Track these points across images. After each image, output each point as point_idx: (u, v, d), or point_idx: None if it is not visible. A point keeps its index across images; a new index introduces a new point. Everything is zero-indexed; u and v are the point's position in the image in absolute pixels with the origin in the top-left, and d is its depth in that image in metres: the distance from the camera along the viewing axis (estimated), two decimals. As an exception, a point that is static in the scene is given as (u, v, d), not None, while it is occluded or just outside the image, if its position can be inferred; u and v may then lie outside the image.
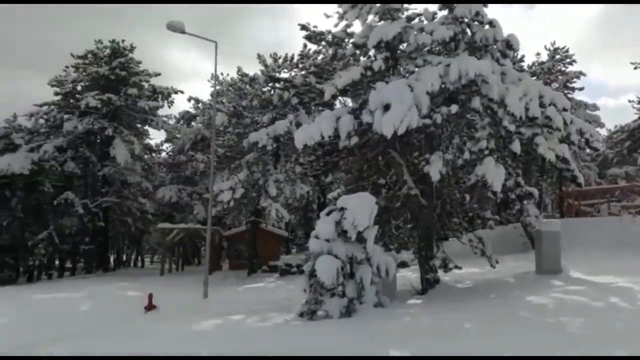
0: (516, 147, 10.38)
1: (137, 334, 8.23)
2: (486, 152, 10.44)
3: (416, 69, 11.31)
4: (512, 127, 10.35)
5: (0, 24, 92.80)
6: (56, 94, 31.71)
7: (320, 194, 31.52)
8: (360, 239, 8.79)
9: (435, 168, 9.94)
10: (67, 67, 32.39)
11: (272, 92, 25.50)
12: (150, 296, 12.50)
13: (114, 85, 31.10)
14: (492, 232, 13.32)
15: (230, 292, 15.67)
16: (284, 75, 27.02)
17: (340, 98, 22.05)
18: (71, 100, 31.53)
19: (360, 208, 8.72)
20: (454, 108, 10.22)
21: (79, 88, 32.32)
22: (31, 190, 27.66)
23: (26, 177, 26.62)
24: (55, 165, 28.04)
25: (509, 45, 11.69)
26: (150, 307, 12.28)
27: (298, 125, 22.05)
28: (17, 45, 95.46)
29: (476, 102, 10.20)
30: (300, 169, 22.18)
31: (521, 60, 29.16)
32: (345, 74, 13.17)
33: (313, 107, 24.93)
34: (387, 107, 9.98)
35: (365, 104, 11.16)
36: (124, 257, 45.80)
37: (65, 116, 30.53)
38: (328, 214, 9.17)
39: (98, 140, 31.18)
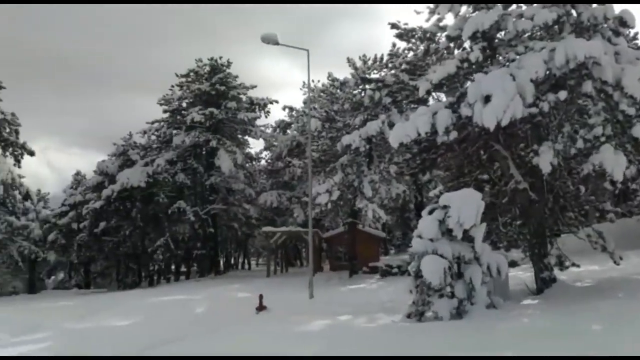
0: (637, 131, 9.43)
1: (254, 334, 8.66)
2: (602, 139, 9.63)
3: (517, 57, 10.70)
4: (631, 111, 9.41)
5: (114, 50, 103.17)
6: (165, 111, 34.65)
7: (417, 193, 30.94)
8: (467, 237, 8.51)
9: (545, 159, 9.35)
10: (172, 86, 35.19)
11: (362, 94, 25.61)
12: (261, 297, 13.09)
13: (215, 100, 33.21)
14: (612, 226, 12.16)
15: (334, 293, 15.93)
16: (374, 76, 26.92)
17: (433, 94, 21.56)
18: (178, 117, 34.16)
19: (465, 205, 8.44)
20: (563, 94, 9.53)
21: (184, 105, 34.93)
22: (148, 201, 30.37)
23: (143, 190, 29.33)
24: (168, 177, 30.59)
25: (623, 22, 10.63)
26: (261, 307, 12.85)
27: (390, 125, 21.89)
28: (128, 68, 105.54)
29: (588, 87, 9.44)
30: (395, 168, 21.96)
31: (635, 38, 26.35)
32: (439, 68, 12.86)
33: (405, 106, 24.60)
34: (487, 99, 9.58)
35: (463, 97, 10.80)
36: (232, 261, 48.47)
37: (174, 131, 33.11)
38: (430, 212, 9.00)
39: (204, 152, 33.39)
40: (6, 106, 31.05)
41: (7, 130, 31.18)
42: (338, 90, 28.46)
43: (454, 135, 10.67)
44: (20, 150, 31.89)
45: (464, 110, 10.27)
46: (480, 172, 12.79)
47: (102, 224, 29.99)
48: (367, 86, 24.93)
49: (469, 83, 11.82)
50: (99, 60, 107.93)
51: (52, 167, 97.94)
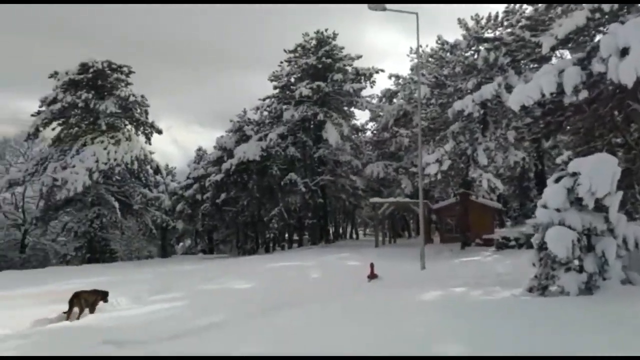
0: None
1: (370, 302, 8.78)
2: None
3: (661, 2, 9.32)
4: None
5: (226, 30, 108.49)
6: (275, 87, 35.89)
7: (538, 160, 28.77)
8: (599, 207, 7.69)
9: (697, 118, 8.07)
10: (281, 62, 36.17)
11: (475, 56, 24.13)
12: (372, 266, 13.22)
13: (322, 73, 33.61)
14: None
15: (446, 265, 15.55)
16: (489, 35, 25.17)
17: (557, 52, 19.57)
18: (287, 92, 35.21)
19: (598, 172, 7.59)
20: None
21: (292, 80, 35.82)
22: (263, 174, 32.04)
23: (258, 163, 30.96)
24: (280, 150, 31.90)
25: None
26: (372, 276, 13.00)
27: (507, 87, 20.43)
28: (241, 47, 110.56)
29: None
30: (514, 134, 20.51)
31: None
32: (566, 21, 11.67)
33: (524, 66, 22.74)
34: (624, 52, 8.51)
35: (594, 52, 9.71)
36: (341, 230, 49.64)
37: (284, 107, 34.20)
38: (557, 180, 8.26)
39: (312, 126, 34.14)
40: (135, 88, 34.39)
41: (138, 111, 34.59)
42: (448, 54, 27.09)
43: (583, 94, 9.70)
44: (149, 129, 35.34)
45: (596, 66, 9.27)
46: (614, 135, 11.49)
47: (223, 195, 32.28)
48: (481, 47, 23.43)
49: (601, 36, 10.58)
50: (214, 42, 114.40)
51: (177, 144, 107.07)
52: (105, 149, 31.23)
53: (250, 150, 30.89)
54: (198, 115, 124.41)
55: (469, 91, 22.16)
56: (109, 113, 32.04)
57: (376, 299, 9.10)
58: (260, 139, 32.13)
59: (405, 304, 8.06)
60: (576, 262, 7.54)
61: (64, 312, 10.03)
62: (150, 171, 35.93)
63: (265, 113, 36.55)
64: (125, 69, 33.75)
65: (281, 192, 32.08)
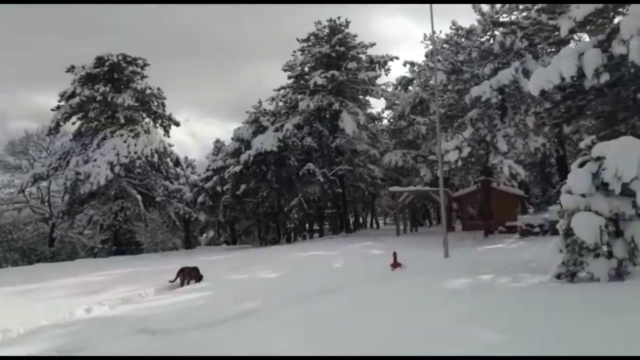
0: None
1: (394, 290, 8.92)
2: None
3: (688, -21, 9.15)
4: None
5: (237, 22, 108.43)
6: (289, 77, 35.90)
7: (559, 146, 28.42)
8: (627, 192, 7.68)
9: None
10: (294, 51, 36.16)
11: (491, 41, 23.83)
12: (395, 254, 13.33)
13: (335, 62, 33.51)
14: None
15: (470, 253, 15.59)
16: (505, 19, 24.79)
17: (575, 36, 19.24)
18: (302, 82, 35.22)
19: (624, 156, 7.58)
20: None
21: (306, 69, 35.79)
22: (281, 164, 32.25)
23: (276, 154, 31.17)
24: (296, 141, 32.02)
25: None
26: (396, 264, 13.11)
27: (525, 72, 20.20)
28: (253, 38, 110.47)
29: None
30: (534, 119, 20.31)
31: None
32: (584, 4, 11.49)
33: (541, 50, 22.41)
34: (647, 33, 8.37)
35: (615, 34, 9.62)
36: (361, 220, 49.73)
37: (299, 96, 34.23)
38: (581, 165, 8.25)
39: (327, 115, 34.15)
40: (152, 81, 34.74)
41: (155, 103, 34.95)
42: (463, 39, 26.78)
43: (605, 77, 9.63)
44: (167, 122, 35.69)
45: (617, 48, 9.19)
46: (638, 119, 11.35)
47: (243, 187, 32.60)
48: (496, 31, 23.12)
49: (620, 18, 10.43)
50: (228, 34, 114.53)
51: (194, 136, 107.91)
52: (125, 142, 31.69)
53: (267, 141, 31.09)
54: (214, 107, 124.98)
55: (486, 77, 21.96)
56: (127, 106, 32.37)
57: (402, 287, 9.23)
58: (276, 130, 32.29)
59: (432, 291, 8.18)
60: (605, 247, 7.55)
61: (170, 281, 13.48)
62: (170, 163, 36.35)
63: (281, 103, 36.62)
64: (140, 61, 34.02)
65: (300, 182, 32.27)
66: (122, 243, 33.25)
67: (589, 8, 11.04)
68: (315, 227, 39.76)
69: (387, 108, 41.62)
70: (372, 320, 6.31)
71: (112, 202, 32.54)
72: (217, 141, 46.42)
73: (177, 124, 36.23)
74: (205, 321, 7.92)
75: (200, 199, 38.61)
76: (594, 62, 9.52)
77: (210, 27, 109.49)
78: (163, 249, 41.97)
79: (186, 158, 48.51)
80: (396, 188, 29.71)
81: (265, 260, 17.84)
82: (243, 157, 31.96)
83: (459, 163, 21.80)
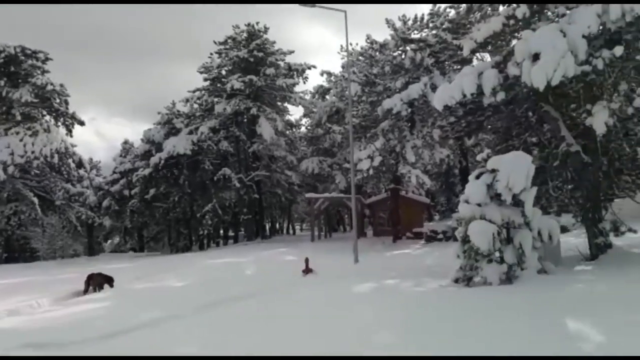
0: (702, 89, 8.86)
1: (303, 295, 8.98)
2: (662, 98, 9.13)
3: (567, 12, 10.19)
4: (694, 67, 8.83)
5: (154, 21, 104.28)
6: (205, 79, 35.03)
7: (462, 157, 30.39)
8: (517, 202, 8.38)
9: (599, 120, 8.99)
10: (211, 53, 35.39)
11: (403, 56, 25.01)
12: (307, 260, 13.43)
13: (254, 67, 33.28)
14: (672, 190, 11.61)
15: (378, 258, 16.14)
16: (415, 37, 26.17)
17: (478, 55, 20.75)
18: (218, 85, 34.53)
19: (514, 168, 8.28)
20: (619, 50, 8.99)
21: (223, 72, 35.16)
22: (194, 168, 31.32)
23: (189, 157, 30.24)
24: (212, 144, 31.26)
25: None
26: (307, 270, 13.22)
27: (433, 87, 21.39)
28: (167, 38, 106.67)
29: (646, 41, 8.87)
30: (439, 132, 21.56)
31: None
32: (484, 26, 12.37)
33: (448, 67, 23.91)
34: (536, 57, 9.20)
35: (510, 56, 10.42)
36: (277, 226, 49.56)
37: (215, 99, 33.50)
38: (478, 176, 8.89)
39: (245, 120, 33.79)
40: (55, 77, 32.26)
41: (57, 100, 32.44)
42: (377, 53, 27.89)
43: (501, 96, 10.37)
44: (70, 120, 33.23)
45: (512, 70, 9.94)
46: (529, 135, 12.40)
47: (152, 191, 31.21)
48: (407, 47, 24.30)
49: (515, 41, 11.35)
50: (140, 31, 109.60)
51: (101, 136, 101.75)
52: (21, 140, 29.01)
53: (180, 144, 30.05)
54: (124, 107, 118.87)
55: (397, 90, 22.93)
56: (24, 102, 29.76)
57: (311, 293, 9.32)
58: (190, 132, 31.32)
59: (339, 296, 8.34)
60: (497, 254, 8.15)
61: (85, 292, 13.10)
62: (73, 165, 33.94)
63: (196, 106, 35.58)
64: (41, 55, 31.45)
65: (214, 187, 31.52)
66: (14, 250, 30.44)
67: (488, 31, 11.90)
68: (230, 233, 39.03)
69: (305, 116, 42.09)
70: (276, 327, 6.29)
71: (5, 206, 29.65)
72: (126, 142, 44.03)
73: (82, 123, 33.89)
74: (103, 332, 7.46)
75: (105, 203, 36.35)
76: (492, 81, 10.20)
77: (121, 24, 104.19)
78: (62, 256, 38.86)
79: (91, 159, 45.72)
80: (312, 195, 30.07)
81: (174, 268, 17.21)
82: (153, 159, 30.62)
83: (371, 171, 22.55)
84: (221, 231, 38.86)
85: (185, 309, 9.05)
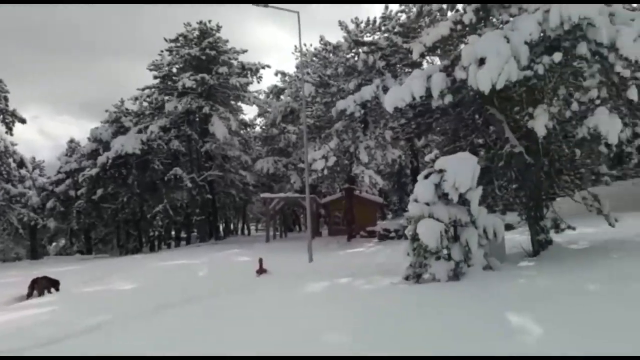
0: (632, 93, 9.48)
1: (255, 296, 8.94)
2: (597, 101, 9.70)
3: (511, 19, 10.64)
4: (626, 73, 9.43)
5: (102, 16, 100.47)
6: (155, 77, 34.12)
7: (413, 158, 31.12)
8: (463, 201, 8.68)
9: (540, 123, 9.41)
10: (162, 51, 34.51)
11: (356, 58, 25.35)
12: (261, 261, 13.38)
13: (206, 65, 32.74)
14: (608, 189, 12.35)
15: (332, 257, 16.28)
16: (368, 39, 26.58)
17: (427, 58, 21.33)
18: (169, 82, 33.73)
19: (461, 169, 8.57)
20: (557, 56, 9.44)
21: (174, 70, 34.38)
22: (144, 168, 30.44)
23: (138, 157, 29.36)
24: (162, 144, 30.47)
25: (618, -19, 10.50)
26: (261, 271, 13.16)
27: (385, 89, 21.80)
28: (116, 35, 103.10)
29: (582, 48, 9.34)
30: (391, 133, 22.02)
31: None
32: (433, 30, 12.71)
33: (399, 70, 24.44)
34: (482, 61, 9.51)
35: (457, 60, 10.73)
36: (232, 226, 48.88)
37: (166, 98, 32.68)
38: (426, 176, 9.14)
39: (197, 119, 33.19)
40: (-5, 74, 30.57)
41: (-4, 97, 30.79)
42: (331, 54, 28.13)
43: (448, 99, 10.64)
44: (10, 118, 31.61)
45: (459, 74, 10.24)
46: (476, 136, 12.82)
47: (100, 191, 30.10)
48: (360, 50, 24.66)
49: (463, 46, 11.72)
50: (87, 27, 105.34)
51: (45, 135, 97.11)
52: (-45, 139, 27.40)
53: (128, 143, 29.14)
54: (69, 104, 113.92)
55: (350, 92, 23.23)
56: (-42, 98, 28.09)
57: (264, 293, 9.30)
58: (139, 131, 30.43)
59: (292, 296, 8.37)
60: (445, 251, 8.41)
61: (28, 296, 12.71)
62: (13, 164, 32.29)
63: (145, 104, 34.61)
64: (-23, 49, 29.81)
65: (165, 187, 30.74)
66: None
67: (437, 35, 12.24)
68: (183, 234, 38.21)
69: (259, 115, 41.81)
70: (226, 329, 6.25)
71: (-63, 208, 27.82)
72: (72, 141, 42.20)
73: (23, 121, 32.26)
74: (47, 338, 7.19)
75: (49, 204, 34.72)
76: (440, 84, 10.48)
77: (66, 19, 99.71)
78: (4, 260, 36.85)
79: (33, 159, 43.59)
80: (267, 195, 29.93)
81: (123, 270, 16.73)
82: (101, 159, 29.56)
83: (326, 172, 22.73)
84: (173, 232, 37.93)
85: (134, 312, 8.83)
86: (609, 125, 8.92)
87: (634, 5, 13.01)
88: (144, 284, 13.20)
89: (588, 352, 4.13)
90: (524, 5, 10.33)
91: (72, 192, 33.98)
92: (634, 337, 4.48)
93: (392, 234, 20.83)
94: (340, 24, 28.04)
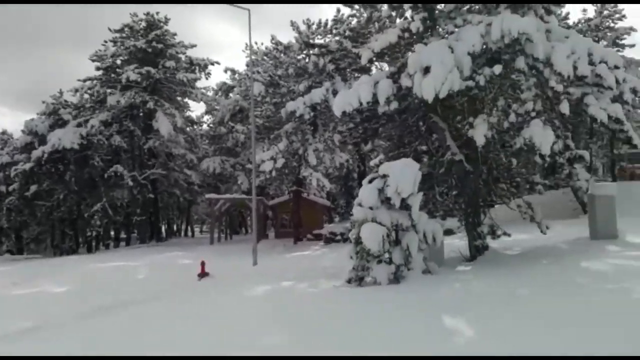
0: (565, 108, 10.02)
1: (195, 300, 8.72)
2: (533, 114, 10.15)
3: (456, 29, 10.96)
4: (559, 87, 9.97)
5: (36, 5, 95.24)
6: (97, 68, 32.62)
7: (360, 162, 31.55)
8: (405, 206, 8.85)
9: (479, 132, 9.74)
10: (105, 41, 33.10)
11: (307, 60, 25.40)
12: (203, 264, 13.10)
13: (152, 58, 31.69)
14: (541, 198, 13.01)
15: (278, 260, 16.17)
16: (319, 41, 26.71)
17: (376, 64, 21.69)
18: (112, 75, 32.35)
19: (403, 175, 8.72)
20: (498, 69, 9.83)
21: (118, 62, 33.04)
22: (83, 164, 29.04)
23: (77, 152, 27.95)
24: (103, 139, 29.18)
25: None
26: (203, 274, 12.88)
27: (334, 93, 21.94)
28: (57, 22, 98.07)
29: (520, 62, 9.79)
30: (339, 137, 22.21)
31: (566, 18, 27.72)
32: (381, 36, 12.90)
33: (349, 74, 24.71)
34: (427, 70, 9.71)
35: (403, 68, 10.94)
36: (175, 228, 47.54)
37: (108, 91, 31.30)
38: (370, 181, 9.25)
39: (141, 114, 32.05)
40: None
41: None
42: (282, 55, 28.05)
43: (394, 105, 10.82)
44: None
45: (404, 81, 10.43)
46: (420, 143, 13.12)
47: (34, 187, 28.45)
48: (311, 51, 24.73)
49: (409, 53, 11.95)
50: (25, 14, 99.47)
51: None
52: None
53: (66, 137, 27.70)
54: (5, 95, 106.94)
55: (301, 93, 23.24)
56: None
57: (205, 296, 9.09)
58: (79, 125, 29.00)
59: (232, 299, 8.22)
60: (386, 255, 8.53)
61: None
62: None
63: (86, 96, 32.96)
64: None
65: (105, 185, 29.44)
66: None
67: (385, 42, 12.44)
68: (122, 235, 36.75)
69: (207, 113, 40.96)
70: (163, 333, 6.03)
71: None
72: (4, 133, 39.73)
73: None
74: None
75: (-24, 200, 32.45)
76: (386, 91, 10.64)
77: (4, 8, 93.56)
78: None
79: (-41, 151, 40.50)
80: (213, 195, 29.35)
81: (57, 272, 15.90)
82: (36, 153, 27.92)
83: (274, 173, 22.59)
84: (112, 233, 36.39)
85: (63, 317, 8.40)
86: (542, 137, 9.35)
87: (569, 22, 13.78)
88: (78, 286, 12.65)
89: (514, 352, 4.31)
90: (469, 17, 10.69)
91: (2, 188, 31.91)
92: (562, 334, 4.70)
93: (339, 237, 21.00)
94: (292, 24, 28.02)
